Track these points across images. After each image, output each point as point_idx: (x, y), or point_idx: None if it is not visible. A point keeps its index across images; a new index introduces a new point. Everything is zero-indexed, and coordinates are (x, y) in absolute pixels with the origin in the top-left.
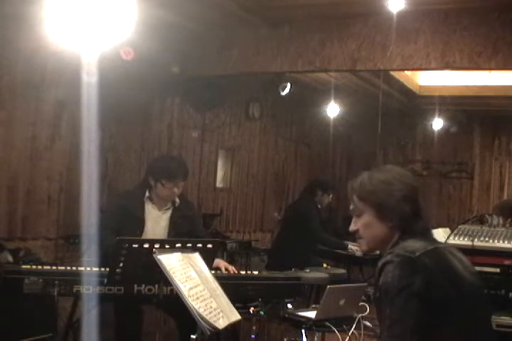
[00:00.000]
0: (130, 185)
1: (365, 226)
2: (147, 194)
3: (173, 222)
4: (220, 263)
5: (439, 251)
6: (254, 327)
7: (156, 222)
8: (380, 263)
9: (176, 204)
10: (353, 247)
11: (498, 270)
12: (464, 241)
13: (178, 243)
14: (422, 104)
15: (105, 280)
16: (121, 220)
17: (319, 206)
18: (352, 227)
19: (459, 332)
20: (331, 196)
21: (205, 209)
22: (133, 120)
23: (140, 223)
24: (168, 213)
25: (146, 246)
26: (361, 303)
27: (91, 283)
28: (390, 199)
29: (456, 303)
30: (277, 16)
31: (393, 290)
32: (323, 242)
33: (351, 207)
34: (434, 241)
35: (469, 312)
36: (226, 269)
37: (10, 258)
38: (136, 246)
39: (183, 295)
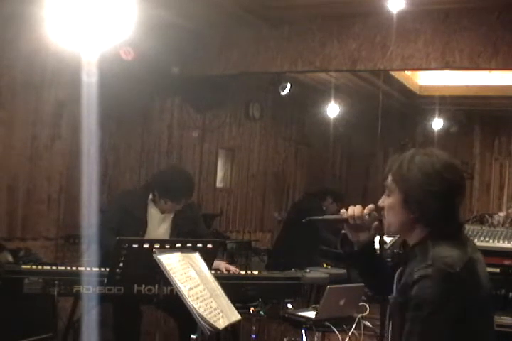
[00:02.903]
0: (130, 185)
1: (389, 207)
2: (151, 196)
3: (175, 224)
4: (221, 264)
5: (472, 261)
6: (254, 327)
7: (159, 223)
8: (416, 275)
9: None
10: None
11: (498, 270)
12: None
13: (178, 243)
14: (422, 104)
15: (105, 280)
16: (123, 220)
17: (324, 208)
18: (379, 203)
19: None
20: (338, 205)
21: (205, 209)
22: (133, 120)
23: (142, 224)
24: (171, 215)
25: (146, 246)
26: (361, 303)
27: (91, 283)
28: (417, 192)
29: (479, 316)
30: (277, 16)
31: (429, 308)
32: (326, 242)
33: (386, 182)
34: (467, 245)
35: (488, 322)
36: (227, 270)
37: (10, 258)
38: (136, 246)
39: (183, 295)
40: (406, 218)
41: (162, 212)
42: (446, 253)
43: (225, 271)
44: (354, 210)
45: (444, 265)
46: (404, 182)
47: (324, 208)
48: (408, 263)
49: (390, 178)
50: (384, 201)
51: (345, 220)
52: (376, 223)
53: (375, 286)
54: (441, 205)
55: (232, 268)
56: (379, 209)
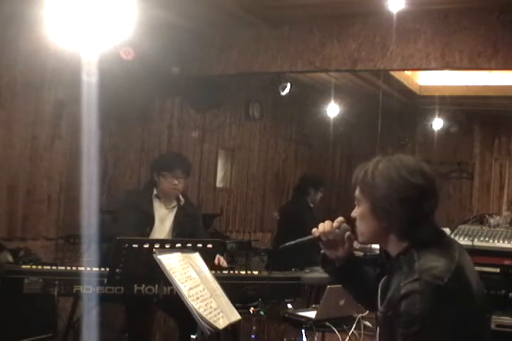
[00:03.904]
0: (130, 185)
1: (360, 217)
2: (155, 192)
3: (177, 221)
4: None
5: (460, 267)
6: (254, 327)
7: (163, 219)
8: (404, 290)
9: (181, 203)
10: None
11: (498, 270)
12: (464, 241)
13: (178, 243)
14: (422, 104)
15: (105, 280)
16: (135, 217)
17: (312, 205)
18: (352, 214)
19: None
20: (322, 191)
21: (205, 209)
22: (133, 120)
23: (150, 220)
24: (174, 212)
25: (146, 246)
26: None
27: (91, 283)
28: (383, 200)
29: (474, 320)
30: (277, 16)
31: (420, 324)
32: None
33: (355, 193)
34: (451, 250)
35: (484, 324)
36: (218, 261)
37: (10, 258)
38: (136, 246)
39: (183, 295)
40: (377, 227)
41: (166, 206)
42: (433, 263)
43: (216, 261)
44: (324, 226)
45: (431, 277)
46: (369, 190)
47: (311, 204)
48: (393, 274)
49: (357, 188)
50: (355, 211)
51: (319, 238)
52: (348, 233)
53: (363, 299)
54: (408, 211)
55: (222, 260)
56: (352, 221)
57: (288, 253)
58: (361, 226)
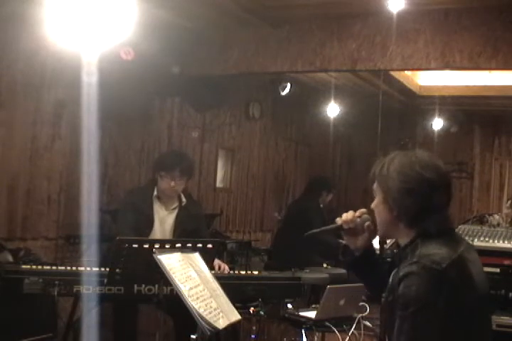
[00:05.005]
0: (130, 185)
1: (374, 207)
2: (155, 192)
3: (178, 222)
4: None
5: (462, 259)
6: (254, 327)
7: (163, 221)
8: (402, 272)
9: (183, 204)
10: None
11: (498, 270)
12: None
13: (178, 243)
14: (422, 104)
15: (105, 280)
16: (134, 217)
17: (321, 205)
18: (371, 206)
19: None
20: (333, 193)
21: (205, 209)
22: (133, 120)
23: (149, 221)
24: (175, 213)
25: (146, 246)
26: (361, 303)
27: (91, 283)
28: (393, 190)
29: (472, 316)
30: (277, 16)
31: (416, 305)
32: (323, 243)
33: (373, 185)
34: (457, 244)
35: (483, 324)
36: (219, 267)
37: (10, 258)
38: (136, 246)
39: (183, 295)
40: (389, 216)
41: (167, 208)
42: (434, 250)
43: (217, 268)
44: (347, 215)
45: (429, 262)
46: (384, 181)
47: (321, 205)
48: (400, 264)
49: (375, 182)
50: (373, 203)
51: (341, 227)
52: (368, 223)
53: (378, 292)
54: (417, 203)
55: (223, 266)
56: (372, 213)
57: (312, 242)
58: (377, 217)
